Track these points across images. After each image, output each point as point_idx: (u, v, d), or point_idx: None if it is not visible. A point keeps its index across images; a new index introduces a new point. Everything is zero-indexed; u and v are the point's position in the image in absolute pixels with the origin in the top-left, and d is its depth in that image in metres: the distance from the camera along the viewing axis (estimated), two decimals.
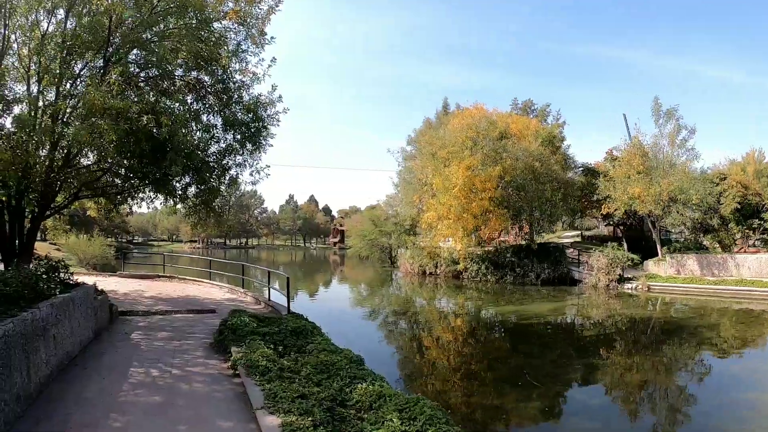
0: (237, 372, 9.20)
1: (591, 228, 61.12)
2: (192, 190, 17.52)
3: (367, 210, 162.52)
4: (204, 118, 16.18)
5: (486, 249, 42.42)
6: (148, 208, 19.17)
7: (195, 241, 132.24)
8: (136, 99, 13.04)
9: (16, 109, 13.85)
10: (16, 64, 14.55)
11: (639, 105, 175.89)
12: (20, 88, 14.32)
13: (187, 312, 16.07)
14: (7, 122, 14.00)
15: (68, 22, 14.29)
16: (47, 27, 14.26)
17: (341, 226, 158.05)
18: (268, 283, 17.70)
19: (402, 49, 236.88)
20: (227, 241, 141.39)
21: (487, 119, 40.94)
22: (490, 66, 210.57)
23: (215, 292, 20.90)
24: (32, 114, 13.73)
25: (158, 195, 17.85)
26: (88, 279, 24.10)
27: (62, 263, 11.96)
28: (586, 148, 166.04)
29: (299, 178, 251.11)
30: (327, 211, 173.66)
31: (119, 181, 17.16)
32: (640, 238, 44.09)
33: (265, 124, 16.56)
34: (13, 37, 14.29)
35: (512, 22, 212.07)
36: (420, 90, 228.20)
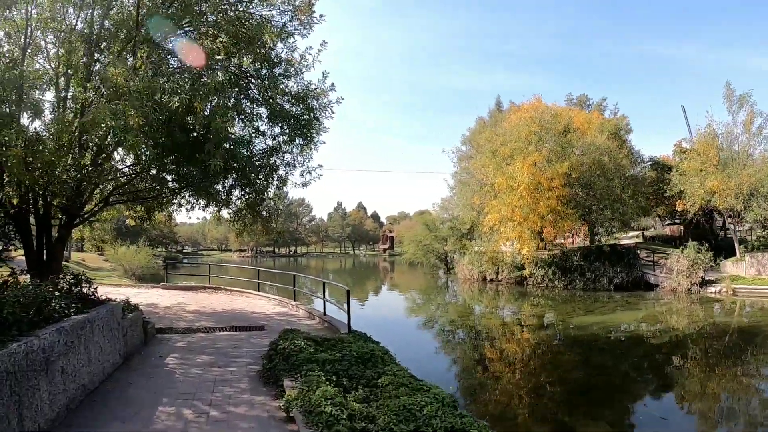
0: (291, 415, 7.06)
1: (648, 228, 57.16)
2: (236, 193, 15.63)
3: (416, 215, 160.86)
4: (247, 109, 14.20)
5: (552, 252, 39.45)
6: (188, 215, 17.35)
7: (244, 250, 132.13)
8: (166, 81, 11.05)
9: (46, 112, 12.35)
10: (40, 60, 13.02)
11: (694, 98, 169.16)
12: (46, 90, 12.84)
13: (233, 329, 14.12)
14: (33, 124, 12.49)
15: (95, 12, 12.66)
16: (74, 21, 12.74)
17: (390, 232, 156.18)
18: (323, 295, 15.60)
19: (439, 55, 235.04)
20: (276, 250, 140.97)
21: (550, 112, 38.22)
22: (533, 69, 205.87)
23: (264, 305, 18.97)
24: (59, 110, 12.08)
25: (199, 200, 16.02)
26: (130, 291, 22.65)
27: (83, 277, 10.16)
28: (646, 143, 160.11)
29: (346, 185, 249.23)
30: (375, 217, 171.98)
31: (153, 185, 15.37)
32: (706, 237, 40.65)
33: (317, 116, 14.48)
34: (38, 33, 12.78)
35: (550, 23, 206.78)
36: (462, 95, 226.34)
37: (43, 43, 13.10)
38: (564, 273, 37.21)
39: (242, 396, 8.32)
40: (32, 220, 13.80)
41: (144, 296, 20.49)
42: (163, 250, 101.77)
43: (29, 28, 12.23)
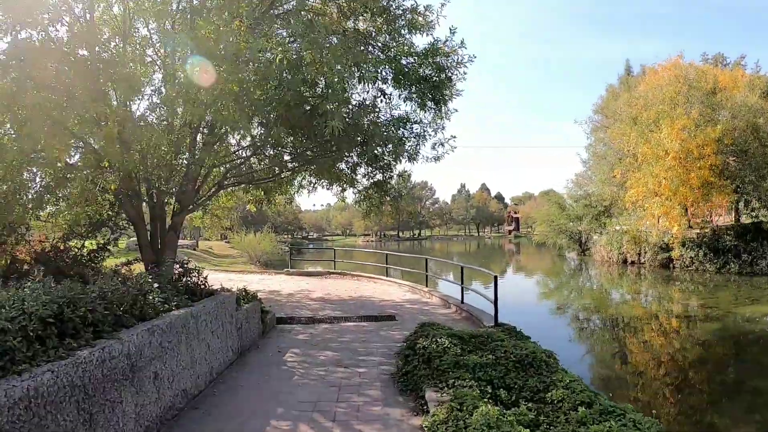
0: None
1: None
2: (361, 170, 14.04)
3: (541, 195, 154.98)
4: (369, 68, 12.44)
5: (701, 231, 34.77)
6: (310, 196, 16.12)
7: (368, 235, 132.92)
8: (264, 38, 9.41)
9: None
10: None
11: None
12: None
13: (360, 319, 12.58)
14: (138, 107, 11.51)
15: None
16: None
17: (516, 213, 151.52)
18: (461, 282, 13.65)
19: (550, 30, 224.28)
20: (400, 234, 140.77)
21: (694, 69, 33.68)
22: (650, 33, 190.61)
23: (393, 291, 17.37)
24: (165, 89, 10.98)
25: (321, 180, 14.63)
26: (253, 277, 21.95)
27: (191, 265, 8.97)
28: None
29: (468, 167, 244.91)
30: (500, 198, 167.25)
31: (269, 164, 14.12)
32: None
33: (449, 75, 12.46)
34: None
35: None
36: (580, 68, 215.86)
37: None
38: (716, 254, 32.57)
39: (373, 408, 6.60)
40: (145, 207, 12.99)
41: (267, 283, 19.60)
42: (289, 236, 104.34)
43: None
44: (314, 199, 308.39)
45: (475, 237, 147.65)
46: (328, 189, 14.72)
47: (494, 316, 10.89)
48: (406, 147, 13.16)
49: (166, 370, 6.17)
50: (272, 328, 11.55)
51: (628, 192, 32.98)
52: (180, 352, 6.58)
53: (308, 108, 11.24)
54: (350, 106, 11.81)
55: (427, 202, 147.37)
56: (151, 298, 6.78)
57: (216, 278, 21.20)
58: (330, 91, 9.36)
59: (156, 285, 7.25)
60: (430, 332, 8.52)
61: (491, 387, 6.50)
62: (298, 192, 15.81)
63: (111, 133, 8.20)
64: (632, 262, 37.78)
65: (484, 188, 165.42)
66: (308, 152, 12.91)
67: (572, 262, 46.99)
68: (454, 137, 13.64)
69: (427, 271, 17.23)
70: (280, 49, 8.64)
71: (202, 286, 8.79)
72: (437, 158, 13.81)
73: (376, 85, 12.10)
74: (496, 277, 10.96)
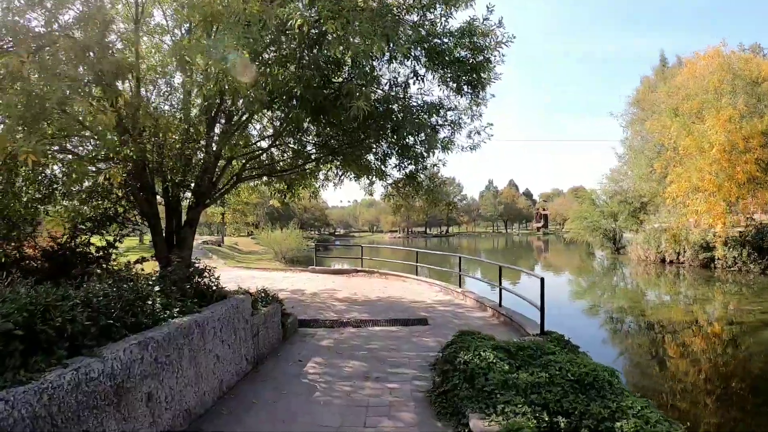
0: None
1: None
2: (392, 161, 12.98)
3: (570, 192, 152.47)
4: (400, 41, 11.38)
5: (744, 230, 32.79)
6: (336, 189, 14.65)
7: (395, 231, 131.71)
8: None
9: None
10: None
11: None
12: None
13: (389, 323, 11.56)
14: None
15: None
16: None
17: (544, 210, 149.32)
18: (500, 283, 12.52)
19: (575, 23, 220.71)
20: (427, 230, 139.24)
21: (738, 58, 31.89)
22: (679, 27, 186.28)
23: (424, 291, 16.32)
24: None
25: (348, 172, 13.62)
26: (277, 275, 21.07)
27: (201, 266, 8.06)
28: None
29: (496, 163, 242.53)
30: (528, 195, 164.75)
31: (290, 154, 13.18)
32: None
33: (487, 57, 11.35)
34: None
35: None
36: (610, 63, 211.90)
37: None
38: (760, 254, 30.58)
39: None
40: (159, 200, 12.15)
41: (291, 281, 18.70)
42: (316, 232, 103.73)
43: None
44: (341, 194, 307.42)
45: (502, 234, 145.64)
46: (355, 181, 13.69)
47: (540, 323, 9.71)
48: (440, 135, 12.11)
49: (164, 390, 5.24)
50: (294, 333, 10.59)
51: (668, 187, 31.34)
52: (181, 367, 5.64)
53: (332, 91, 10.23)
54: (379, 88, 10.79)
55: (455, 198, 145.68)
56: (150, 303, 5.88)
57: (238, 276, 20.51)
58: (356, 70, 8.36)
59: (157, 288, 6.33)
60: (472, 343, 7.42)
61: (547, 413, 5.43)
62: (323, 185, 14.82)
63: (106, 121, 7.25)
64: (671, 262, 35.98)
65: (512, 184, 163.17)
66: (333, 141, 11.93)
67: (604, 260, 45.16)
68: (491, 125, 12.63)
69: (460, 270, 16.08)
70: (298, 13, 7.60)
71: (214, 288, 7.87)
72: (473, 147, 12.80)
73: (410, 64, 11.06)
74: (542, 280, 9.74)
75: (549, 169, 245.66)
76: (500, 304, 12.37)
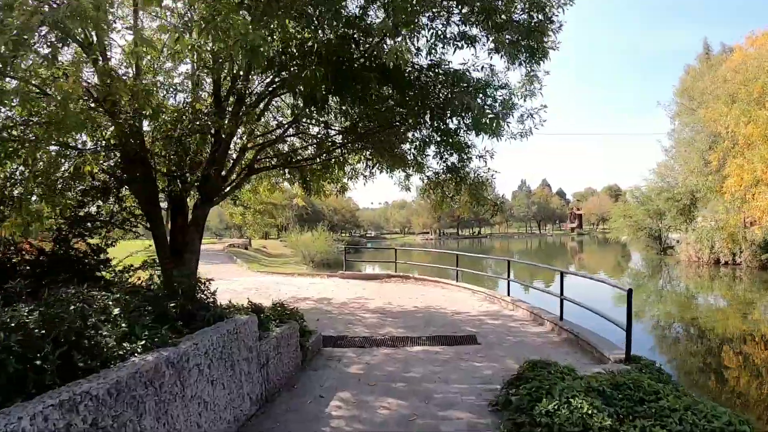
0: None
1: None
2: (431, 149, 10.98)
3: (604, 191, 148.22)
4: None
5: None
6: (366, 182, 12.51)
7: (426, 233, 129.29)
8: None
9: None
10: None
11: None
12: None
13: (431, 341, 9.65)
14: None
15: None
16: None
17: (578, 209, 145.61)
18: (561, 291, 10.44)
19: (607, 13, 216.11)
20: (459, 231, 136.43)
21: None
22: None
23: (466, 299, 14.38)
24: None
25: (380, 163, 11.69)
26: (302, 281, 19.29)
27: (193, 280, 6.33)
28: None
29: (528, 162, 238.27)
30: (561, 194, 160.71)
31: (310, 139, 11.36)
32: None
33: (549, 16, 9.37)
34: None
35: None
36: (644, 59, 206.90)
37: None
38: None
39: None
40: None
41: (317, 288, 16.91)
42: (347, 234, 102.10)
43: None
44: (372, 196, 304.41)
45: (536, 234, 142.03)
46: (388, 174, 11.75)
47: (626, 347, 7.62)
48: (490, 116, 10.13)
49: None
50: (317, 354, 8.77)
51: (726, 181, 28.78)
52: (142, 430, 3.84)
53: (360, 54, 8.37)
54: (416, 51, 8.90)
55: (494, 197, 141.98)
56: (105, 333, 4.11)
57: (260, 283, 18.81)
58: (388, 17, 6.46)
59: (117, 310, 4.56)
60: (553, 384, 5.45)
61: None
62: (352, 179, 12.89)
63: (67, 87, 5.52)
64: (726, 263, 33.22)
65: (545, 184, 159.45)
66: (361, 124, 10.07)
67: (651, 263, 42.06)
68: (545, 107, 10.57)
69: (509, 276, 13.94)
70: None
71: (210, 305, 6.11)
72: (524, 134, 10.77)
73: (449, 28, 9.14)
74: (630, 291, 7.64)
75: (583, 166, 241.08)
76: (561, 317, 10.34)
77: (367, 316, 12.07)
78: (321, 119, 10.24)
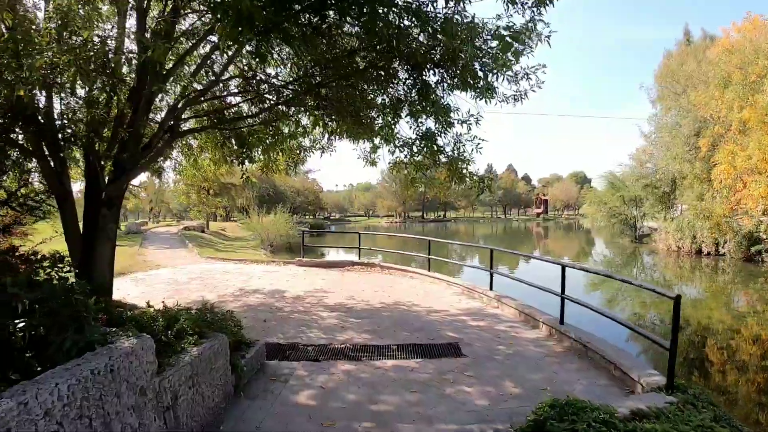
0: None
1: None
2: (404, 113, 8.87)
3: (570, 177, 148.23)
4: None
5: None
6: (326, 154, 10.26)
7: (391, 216, 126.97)
8: None
9: None
10: None
11: None
12: None
13: (405, 352, 7.70)
14: None
15: None
16: None
17: (544, 195, 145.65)
18: (562, 289, 8.55)
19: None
20: (425, 215, 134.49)
21: None
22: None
23: (442, 293, 12.50)
24: None
25: (341, 129, 9.49)
26: (255, 269, 17.09)
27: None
28: None
29: (494, 146, 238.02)
30: (527, 180, 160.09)
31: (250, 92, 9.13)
32: None
33: None
34: None
35: None
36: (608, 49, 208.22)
37: None
38: None
39: None
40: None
41: (271, 278, 14.83)
42: (310, 217, 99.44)
43: None
44: (337, 176, 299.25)
45: (501, 219, 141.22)
46: (352, 144, 9.63)
47: (668, 372, 5.65)
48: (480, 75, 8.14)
49: None
50: (257, 373, 6.75)
51: (716, 168, 27.42)
52: None
53: None
54: None
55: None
56: None
57: (206, 271, 16.55)
58: None
59: None
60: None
61: None
62: (307, 152, 10.74)
63: None
64: (708, 253, 31.84)
65: (511, 169, 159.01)
66: (316, 72, 7.96)
67: (617, 250, 40.61)
68: (544, 66, 8.71)
69: (492, 267, 11.80)
70: None
71: (84, 315, 4.05)
72: (517, 97, 8.92)
73: None
74: (678, 299, 5.71)
75: (548, 151, 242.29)
76: (562, 321, 8.51)
77: (324, 316, 10.05)
78: (257, 59, 7.98)
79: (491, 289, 11.51)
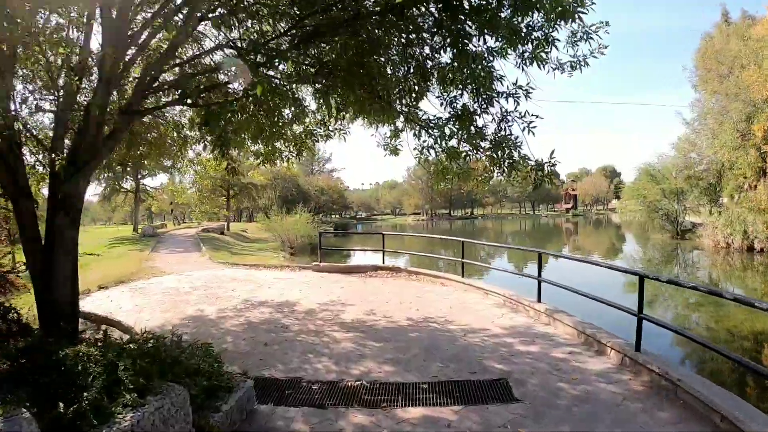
0: None
1: None
2: (433, 78, 7.05)
3: (599, 171, 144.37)
4: None
5: None
6: (330, 138, 8.32)
7: (418, 213, 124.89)
8: None
9: None
10: None
11: None
12: None
13: (437, 395, 5.89)
14: None
15: None
16: None
17: (573, 190, 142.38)
18: (639, 308, 6.44)
19: None
20: (451, 212, 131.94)
21: None
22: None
23: (480, 304, 10.63)
24: None
25: (352, 106, 7.59)
26: (266, 275, 15.35)
27: None
28: None
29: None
30: (555, 175, 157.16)
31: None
32: None
33: None
34: None
35: None
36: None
37: None
38: None
39: None
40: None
41: (282, 286, 13.15)
42: (336, 216, 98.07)
43: None
44: (363, 175, 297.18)
45: (529, 216, 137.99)
46: (365, 126, 7.85)
47: None
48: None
49: None
50: (243, 425, 5.04)
51: None
52: None
53: None
54: None
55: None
56: None
57: (213, 277, 14.94)
58: None
59: None
60: None
61: None
62: (313, 137, 8.93)
63: None
64: (761, 250, 29.45)
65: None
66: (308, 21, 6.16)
67: (668, 248, 37.61)
68: (607, 24, 6.86)
69: (540, 274, 9.67)
70: None
71: None
72: (575, 66, 7.09)
73: None
74: None
75: (575, 146, 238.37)
76: (639, 347, 6.62)
77: (338, 338, 8.29)
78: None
79: (539, 300, 9.59)
